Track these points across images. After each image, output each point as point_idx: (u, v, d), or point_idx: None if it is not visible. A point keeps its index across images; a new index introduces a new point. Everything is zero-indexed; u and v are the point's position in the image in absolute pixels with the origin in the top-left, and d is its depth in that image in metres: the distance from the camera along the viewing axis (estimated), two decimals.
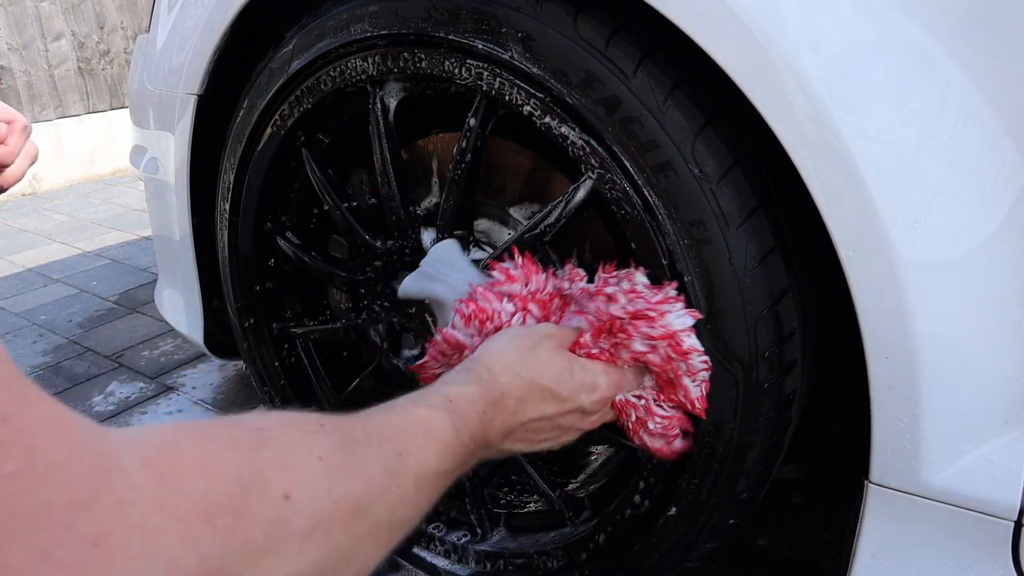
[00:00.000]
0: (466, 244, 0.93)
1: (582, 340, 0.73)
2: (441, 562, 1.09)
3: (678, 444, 0.75)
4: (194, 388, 1.78)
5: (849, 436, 1.41)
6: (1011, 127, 0.60)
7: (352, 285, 1.07)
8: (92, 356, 1.98)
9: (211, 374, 1.85)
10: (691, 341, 0.70)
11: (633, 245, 0.76)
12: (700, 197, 0.69)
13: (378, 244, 1.00)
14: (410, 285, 0.84)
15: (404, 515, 0.51)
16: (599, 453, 1.09)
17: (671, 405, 0.73)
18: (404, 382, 1.07)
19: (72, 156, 4.15)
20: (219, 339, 1.31)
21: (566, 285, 0.77)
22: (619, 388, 0.72)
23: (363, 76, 0.90)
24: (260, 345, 1.21)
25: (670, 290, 0.71)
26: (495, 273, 0.78)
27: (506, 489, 1.13)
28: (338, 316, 1.26)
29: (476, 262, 0.89)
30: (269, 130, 1.02)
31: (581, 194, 0.80)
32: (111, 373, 1.87)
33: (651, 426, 0.73)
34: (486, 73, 0.79)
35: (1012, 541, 0.64)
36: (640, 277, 0.72)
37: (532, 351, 0.69)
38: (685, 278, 0.72)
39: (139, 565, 0.31)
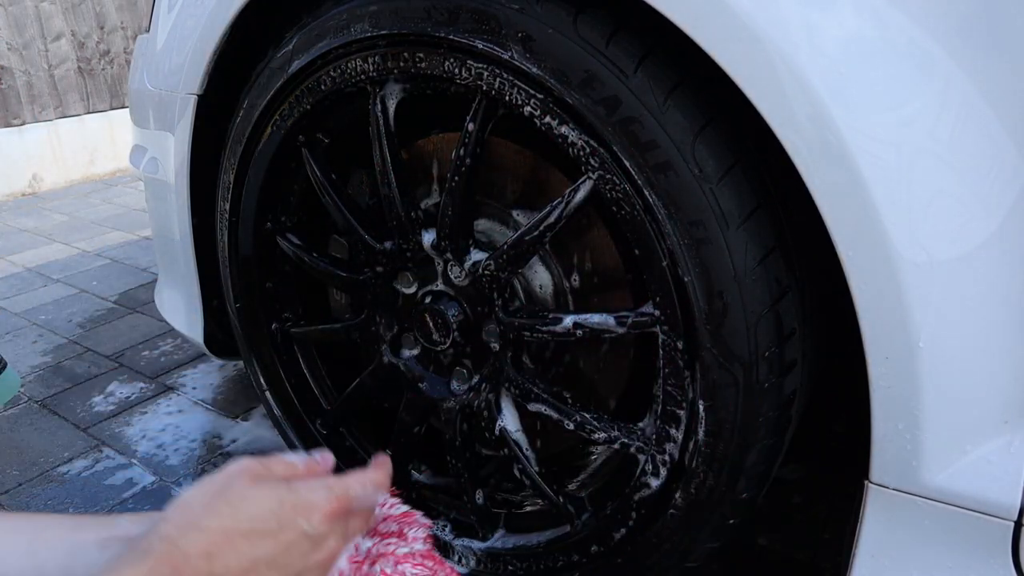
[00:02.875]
0: (466, 248, 0.93)
1: None
2: None
3: None
4: (194, 388, 1.78)
5: (849, 436, 1.41)
6: (1011, 127, 0.60)
7: (352, 285, 1.07)
8: (92, 356, 1.98)
9: (211, 374, 1.85)
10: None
11: (639, 256, 0.76)
12: (700, 197, 0.69)
13: (378, 245, 1.00)
14: None
15: None
16: (599, 453, 1.09)
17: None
18: (403, 381, 1.07)
19: (72, 156, 4.15)
20: (219, 339, 1.31)
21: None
22: (346, 496, 0.59)
23: (363, 76, 0.90)
24: (260, 345, 1.21)
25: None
26: None
27: (505, 488, 1.13)
28: (338, 316, 1.26)
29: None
30: (269, 130, 1.02)
31: (581, 195, 0.80)
32: (111, 373, 1.87)
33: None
34: (486, 73, 0.79)
35: (1012, 541, 0.64)
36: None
37: (221, 494, 0.57)
38: (685, 278, 0.72)
39: None
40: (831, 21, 0.60)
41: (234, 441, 1.54)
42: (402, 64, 0.86)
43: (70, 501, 1.37)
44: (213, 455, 1.50)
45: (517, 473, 1.00)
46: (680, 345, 0.76)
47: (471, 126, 0.84)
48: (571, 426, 0.89)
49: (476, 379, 0.99)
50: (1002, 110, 0.59)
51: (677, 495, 0.82)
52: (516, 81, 0.77)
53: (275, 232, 1.13)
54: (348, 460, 1.18)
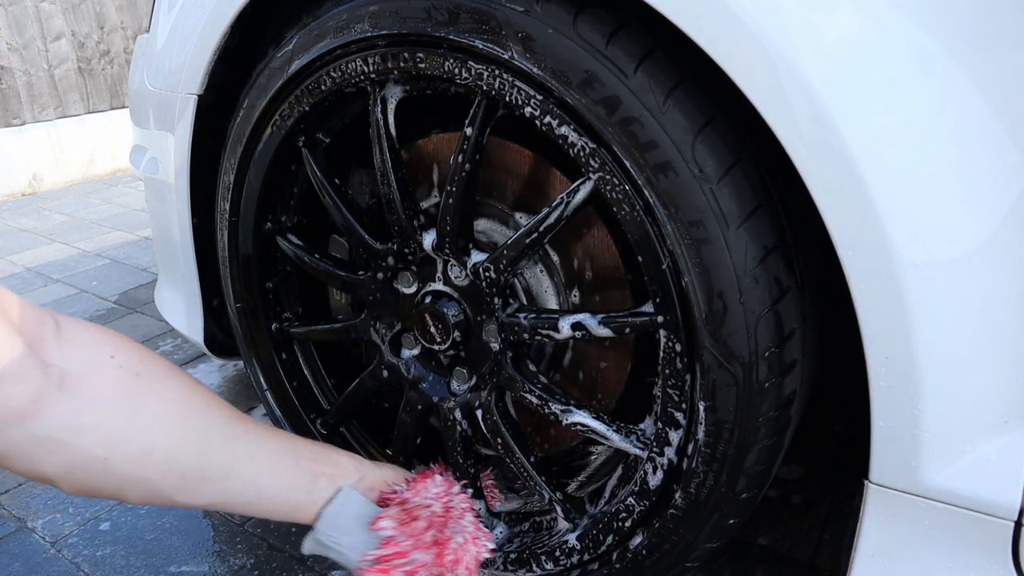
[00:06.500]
0: (466, 248, 0.93)
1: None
2: None
3: None
4: None
5: (849, 436, 1.41)
6: (1011, 127, 0.60)
7: (352, 285, 1.07)
8: None
9: (211, 374, 1.85)
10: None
11: (639, 256, 0.76)
12: (700, 197, 0.69)
13: (378, 245, 1.00)
14: (308, 546, 0.87)
15: None
16: (599, 453, 1.09)
17: None
18: (403, 381, 1.07)
19: (72, 156, 4.15)
20: (219, 339, 1.31)
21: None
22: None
23: (363, 76, 0.90)
24: (260, 345, 1.21)
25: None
26: (383, 527, 0.87)
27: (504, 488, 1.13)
28: (338, 316, 1.26)
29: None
30: (269, 130, 1.02)
31: (581, 195, 0.80)
32: None
33: None
34: (486, 74, 0.79)
35: (1012, 541, 0.64)
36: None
37: None
38: (685, 278, 0.72)
39: None
40: (831, 21, 0.60)
41: None
42: (402, 64, 0.86)
43: (70, 501, 1.37)
44: None
45: (516, 472, 1.00)
46: (680, 346, 0.76)
47: (469, 131, 0.84)
48: (574, 424, 0.89)
49: (476, 379, 0.99)
50: (1002, 110, 0.59)
51: (677, 495, 0.82)
52: (516, 81, 0.77)
53: (275, 232, 1.13)
54: None
